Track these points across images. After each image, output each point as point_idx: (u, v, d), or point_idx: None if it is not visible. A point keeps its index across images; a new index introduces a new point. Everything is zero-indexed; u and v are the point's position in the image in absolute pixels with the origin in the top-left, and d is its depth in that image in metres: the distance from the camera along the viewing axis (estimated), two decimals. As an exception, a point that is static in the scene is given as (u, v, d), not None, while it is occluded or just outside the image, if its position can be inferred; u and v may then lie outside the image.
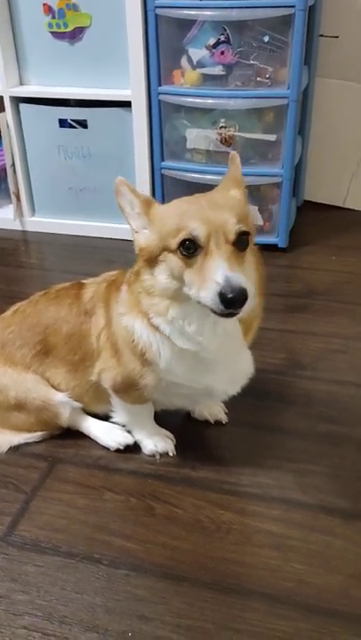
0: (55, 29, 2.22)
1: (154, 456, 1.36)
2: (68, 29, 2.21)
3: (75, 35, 2.22)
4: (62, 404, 1.35)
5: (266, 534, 1.17)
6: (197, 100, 2.13)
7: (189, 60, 2.11)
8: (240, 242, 1.01)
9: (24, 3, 2.22)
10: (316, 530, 1.18)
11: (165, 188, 2.35)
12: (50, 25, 2.22)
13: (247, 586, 1.08)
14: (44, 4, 2.19)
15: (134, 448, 1.38)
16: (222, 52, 2.03)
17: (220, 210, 1.02)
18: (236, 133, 2.14)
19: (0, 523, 1.22)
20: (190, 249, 1.01)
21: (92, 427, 1.41)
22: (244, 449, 1.38)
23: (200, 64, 2.09)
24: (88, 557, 1.14)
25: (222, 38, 2.01)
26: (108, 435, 1.39)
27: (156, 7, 2.04)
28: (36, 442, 1.40)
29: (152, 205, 1.10)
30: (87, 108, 2.29)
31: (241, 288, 0.95)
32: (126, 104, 2.23)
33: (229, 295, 0.95)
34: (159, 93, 2.17)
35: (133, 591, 1.08)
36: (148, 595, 1.07)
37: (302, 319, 1.88)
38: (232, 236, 1.00)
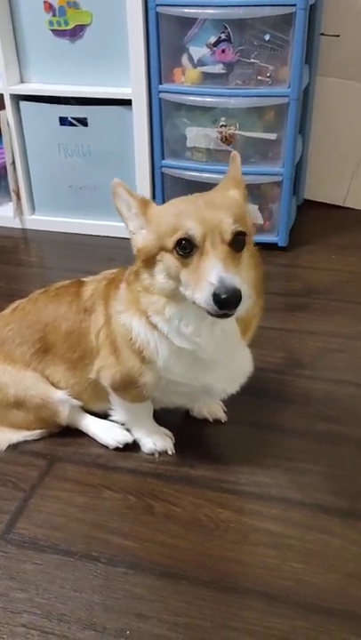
0: (56, 27, 2.22)
1: (153, 454, 1.36)
2: (68, 27, 2.21)
3: (75, 32, 2.21)
4: (61, 401, 1.35)
5: (264, 533, 1.18)
6: (198, 99, 2.12)
7: (190, 58, 2.10)
8: (236, 242, 1.01)
9: (25, 0, 2.21)
10: (315, 529, 1.18)
11: (165, 187, 2.35)
12: (50, 23, 2.22)
13: (245, 584, 1.08)
14: (45, 2, 2.19)
15: (133, 446, 1.38)
16: (223, 51, 2.03)
17: (216, 210, 1.02)
18: (237, 132, 2.14)
19: (-1, 520, 1.22)
20: (186, 248, 1.01)
21: (91, 425, 1.41)
22: (243, 447, 1.38)
23: (201, 62, 2.09)
24: (86, 555, 1.14)
25: (223, 36, 2.01)
26: (106, 433, 1.39)
27: (157, 5, 2.04)
28: (34, 440, 1.41)
29: (149, 205, 1.10)
30: (87, 106, 2.28)
31: (235, 289, 0.95)
32: (127, 102, 2.23)
33: (223, 296, 0.95)
34: (160, 92, 2.17)
35: (131, 589, 1.08)
36: (147, 593, 1.07)
37: (302, 318, 1.88)
38: (228, 236, 1.00)
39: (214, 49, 2.04)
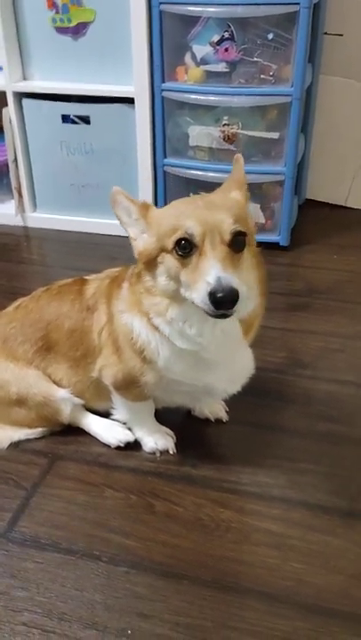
0: (59, 24, 2.21)
1: (154, 453, 1.36)
2: (71, 24, 2.20)
3: (78, 30, 2.21)
4: (63, 400, 1.35)
5: (265, 533, 1.18)
6: (201, 97, 2.12)
7: (193, 56, 2.10)
8: (236, 243, 1.01)
9: (28, -3, 2.21)
10: (316, 529, 1.18)
11: (167, 186, 2.34)
12: (53, 20, 2.21)
13: (246, 584, 1.08)
14: (48, -1, 2.18)
15: (135, 445, 1.38)
16: (226, 49, 2.02)
17: (216, 210, 1.03)
18: (239, 131, 2.13)
19: (0, 519, 1.22)
20: (186, 248, 1.01)
21: (93, 424, 1.41)
22: (245, 447, 1.38)
23: (204, 61, 2.08)
24: (88, 554, 1.14)
25: (226, 35, 2.00)
26: (108, 432, 1.39)
27: (160, 3, 2.03)
28: (36, 438, 1.41)
29: (149, 209, 1.11)
30: (90, 104, 2.28)
31: (231, 288, 0.95)
32: (129, 100, 2.22)
33: (219, 295, 0.95)
34: (162, 90, 2.17)
35: (133, 589, 1.08)
36: (148, 592, 1.07)
37: (303, 318, 1.88)
38: (227, 237, 1.00)
39: (217, 47, 2.03)
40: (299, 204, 2.56)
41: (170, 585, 1.08)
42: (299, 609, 1.04)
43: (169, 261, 1.05)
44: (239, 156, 1.16)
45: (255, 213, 2.23)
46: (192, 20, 2.04)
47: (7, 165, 2.48)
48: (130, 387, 1.26)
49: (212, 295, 0.96)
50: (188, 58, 2.11)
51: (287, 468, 1.32)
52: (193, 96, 2.13)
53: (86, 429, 1.41)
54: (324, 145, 2.53)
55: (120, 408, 1.37)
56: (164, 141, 2.26)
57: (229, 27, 2.00)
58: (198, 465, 1.33)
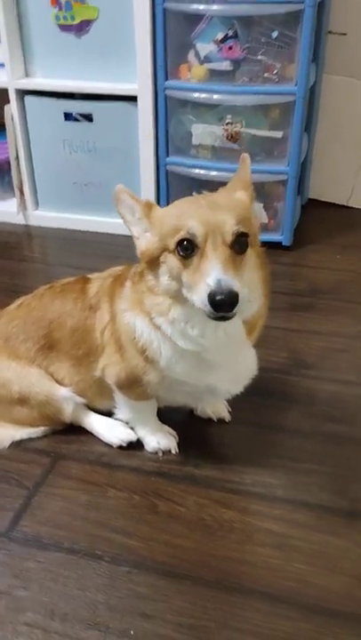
0: (62, 22, 2.20)
1: (156, 453, 1.35)
2: (74, 22, 2.19)
3: (81, 27, 2.20)
4: (65, 399, 1.35)
5: (268, 533, 1.17)
6: (204, 96, 2.11)
7: (197, 54, 2.09)
8: (238, 244, 1.01)
9: (31, -6, 2.20)
10: (319, 530, 1.18)
11: (170, 184, 2.33)
12: (57, 17, 2.20)
13: (249, 585, 1.08)
14: (51, -4, 2.18)
15: (137, 445, 1.37)
16: (230, 48, 2.02)
17: (219, 210, 1.02)
18: (243, 130, 2.13)
19: (2, 518, 1.21)
20: (188, 249, 1.01)
21: (95, 423, 1.40)
22: (248, 447, 1.37)
23: (207, 59, 2.08)
24: (90, 554, 1.14)
25: (230, 33, 2.00)
26: (110, 431, 1.38)
27: (164, 1, 2.03)
28: (38, 437, 1.40)
29: (152, 208, 1.10)
30: (93, 102, 2.27)
31: (230, 291, 0.94)
32: (132, 98, 2.21)
33: (218, 297, 0.94)
34: (165, 88, 2.16)
35: (135, 589, 1.07)
36: (150, 592, 1.06)
37: (306, 318, 1.87)
38: (229, 238, 0.99)
39: (221, 45, 2.02)
40: (301, 204, 2.56)
41: (172, 585, 1.08)
42: (301, 610, 1.04)
43: (171, 261, 1.04)
44: (246, 156, 1.15)
45: (259, 213, 2.22)
46: (196, 18, 2.03)
47: (9, 163, 2.47)
48: (132, 386, 1.26)
49: (211, 297, 0.95)
50: (191, 56, 2.11)
51: (290, 469, 1.31)
52: (196, 94, 2.12)
53: (88, 429, 1.41)
54: (327, 144, 2.52)
55: (122, 407, 1.36)
56: (167, 140, 2.25)
57: (233, 25, 1.99)
58: (201, 465, 1.32)
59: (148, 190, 2.33)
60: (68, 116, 2.32)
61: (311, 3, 1.90)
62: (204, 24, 2.03)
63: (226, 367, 1.18)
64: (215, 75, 2.09)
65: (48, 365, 1.36)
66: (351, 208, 2.61)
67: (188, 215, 1.02)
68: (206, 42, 2.05)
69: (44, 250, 2.44)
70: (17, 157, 2.44)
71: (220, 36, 2.02)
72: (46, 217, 2.53)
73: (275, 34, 1.98)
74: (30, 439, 1.40)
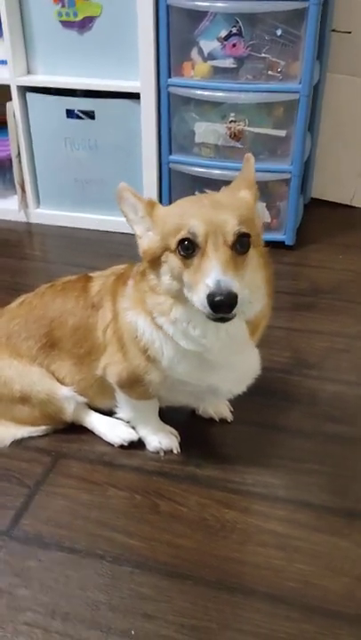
0: (65, 18, 2.19)
1: (158, 453, 1.35)
2: (77, 19, 2.18)
3: (84, 24, 2.19)
4: (67, 398, 1.34)
5: (270, 534, 1.17)
6: (207, 93, 2.10)
7: (200, 51, 2.08)
8: (240, 244, 1.00)
9: (34, -9, 2.19)
10: (321, 530, 1.17)
11: (172, 183, 2.32)
12: (59, 14, 2.19)
13: (251, 585, 1.08)
14: (54, -7, 2.17)
15: (138, 444, 1.37)
16: (234, 45, 2.01)
17: (221, 210, 1.01)
18: (246, 128, 2.12)
19: (3, 517, 1.21)
20: (189, 249, 1.00)
21: (96, 422, 1.40)
22: (250, 447, 1.37)
23: (211, 56, 2.07)
24: (91, 554, 1.13)
25: (234, 30, 1.99)
26: (112, 430, 1.38)
27: (167, -2, 2.02)
28: (39, 436, 1.40)
29: (155, 207, 1.10)
30: (95, 99, 2.26)
31: (230, 292, 0.94)
32: (135, 95, 2.20)
33: (217, 298, 0.94)
34: (168, 85, 2.15)
35: (137, 589, 1.07)
36: (152, 593, 1.06)
37: (308, 318, 1.87)
38: (231, 238, 0.99)
39: (225, 43, 2.01)
40: (304, 204, 2.55)
41: (174, 585, 1.07)
42: (304, 611, 1.03)
43: (172, 261, 1.04)
44: (250, 156, 1.15)
45: (261, 212, 2.21)
46: (199, 15, 2.02)
47: (10, 160, 2.46)
48: (134, 385, 1.25)
49: (210, 298, 0.95)
50: (194, 53, 2.10)
51: (292, 469, 1.31)
52: (199, 92, 2.11)
53: (90, 428, 1.40)
54: (330, 144, 2.51)
55: (124, 406, 1.36)
56: (170, 138, 2.24)
57: (237, 22, 1.98)
58: (203, 465, 1.32)
59: (150, 189, 2.33)
60: (70, 114, 2.31)
61: (316, 1, 1.89)
62: (207, 21, 2.02)
63: (228, 367, 1.17)
64: (219, 72, 2.08)
65: (49, 364, 1.36)
66: (354, 208, 2.60)
67: (190, 214, 1.01)
68: (210, 39, 2.04)
69: (46, 248, 2.43)
70: (18, 155, 2.43)
71: (223, 33, 2.01)
72: (48, 214, 2.52)
73: (279, 31, 1.97)
74: (31, 438, 1.39)
